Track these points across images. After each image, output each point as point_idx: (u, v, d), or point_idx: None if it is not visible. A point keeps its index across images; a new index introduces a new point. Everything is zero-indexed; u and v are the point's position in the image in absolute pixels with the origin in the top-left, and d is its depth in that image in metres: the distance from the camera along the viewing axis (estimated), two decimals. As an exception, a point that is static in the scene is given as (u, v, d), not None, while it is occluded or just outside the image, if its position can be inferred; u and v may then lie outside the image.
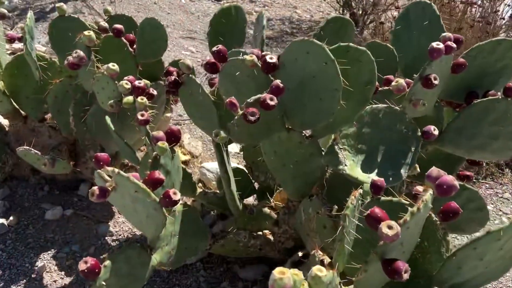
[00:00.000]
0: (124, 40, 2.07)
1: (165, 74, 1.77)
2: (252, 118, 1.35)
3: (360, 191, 1.33)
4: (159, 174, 1.31)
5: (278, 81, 1.38)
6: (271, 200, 2.07)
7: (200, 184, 2.52)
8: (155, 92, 1.92)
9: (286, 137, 1.60)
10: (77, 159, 2.34)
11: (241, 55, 1.59)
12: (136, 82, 1.74)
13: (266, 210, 1.96)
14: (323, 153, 1.62)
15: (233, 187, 1.84)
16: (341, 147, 1.60)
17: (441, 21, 1.77)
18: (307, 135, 1.60)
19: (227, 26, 1.90)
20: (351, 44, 1.45)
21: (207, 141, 3.00)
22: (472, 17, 4.22)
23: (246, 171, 2.28)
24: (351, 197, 1.26)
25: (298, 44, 1.40)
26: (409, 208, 1.09)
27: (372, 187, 1.39)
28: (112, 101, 1.79)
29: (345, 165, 1.56)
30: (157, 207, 1.30)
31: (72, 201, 2.34)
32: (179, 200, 1.28)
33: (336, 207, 1.60)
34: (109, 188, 1.27)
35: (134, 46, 2.13)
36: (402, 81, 1.56)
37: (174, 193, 1.28)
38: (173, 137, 1.48)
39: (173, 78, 1.72)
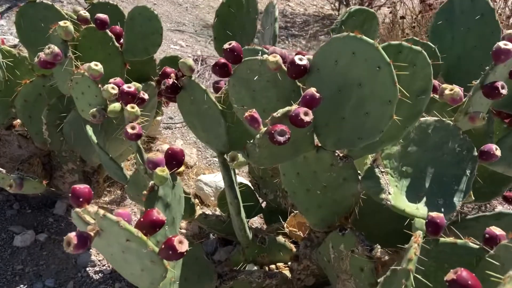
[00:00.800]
0: (109, 33, 1.72)
1: (160, 76, 1.43)
2: (281, 139, 1.03)
3: (420, 232, 1.04)
4: (158, 214, 0.98)
5: (313, 90, 1.06)
6: (284, 225, 1.75)
7: (196, 201, 2.19)
8: (146, 96, 1.58)
9: (314, 157, 1.28)
10: (52, 172, 1.98)
11: (259, 54, 1.27)
12: (125, 86, 1.40)
13: (281, 239, 1.64)
14: (359, 177, 1.31)
15: (243, 215, 1.52)
16: (382, 170, 1.29)
17: (496, 15, 1.47)
18: (341, 155, 1.29)
19: (237, 18, 1.57)
20: (403, 43, 1.14)
21: (202, 148, 2.66)
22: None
23: (252, 187, 1.96)
24: (413, 245, 0.96)
25: (341, 42, 1.08)
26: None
27: (429, 226, 1.10)
28: (94, 109, 1.44)
29: (389, 192, 1.26)
30: (156, 259, 0.97)
31: (46, 222, 1.98)
32: (186, 251, 0.95)
33: (378, 246, 1.29)
34: (91, 234, 0.94)
35: (121, 40, 1.77)
36: (458, 89, 1.25)
37: (180, 242, 0.95)
38: (175, 160, 1.15)
39: (171, 81, 1.39)
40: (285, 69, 1.20)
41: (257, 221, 2.09)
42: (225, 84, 1.55)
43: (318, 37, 5.53)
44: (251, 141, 1.10)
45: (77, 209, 0.95)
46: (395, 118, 1.09)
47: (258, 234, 1.68)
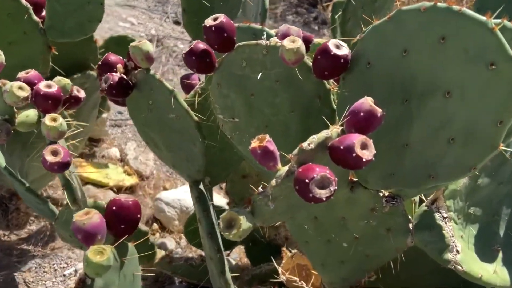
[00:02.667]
0: (24, 2, 1.17)
1: (100, 67, 0.92)
2: (323, 194, 0.56)
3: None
4: None
5: (370, 100, 0.60)
6: (279, 270, 1.30)
7: (155, 226, 1.69)
8: (82, 94, 1.06)
9: (346, 198, 0.83)
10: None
11: (263, 36, 0.78)
12: (42, 85, 0.87)
13: (277, 295, 1.19)
14: (410, 226, 0.87)
15: (228, 275, 1.04)
16: (445, 215, 0.86)
17: None
18: (386, 194, 0.84)
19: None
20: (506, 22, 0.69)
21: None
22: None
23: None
24: None
25: (416, 18, 0.62)
26: None
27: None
28: (-8, 120, 0.91)
29: (457, 251, 0.83)
30: None
31: None
32: None
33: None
34: None
35: (43, 13, 1.23)
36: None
37: None
38: (124, 222, 0.65)
39: (116, 77, 0.88)
40: (309, 63, 0.73)
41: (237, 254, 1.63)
42: (199, 80, 1.05)
43: (286, 17, 5.06)
44: (260, 192, 0.63)
45: None
46: (501, 148, 0.65)
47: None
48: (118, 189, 1.76)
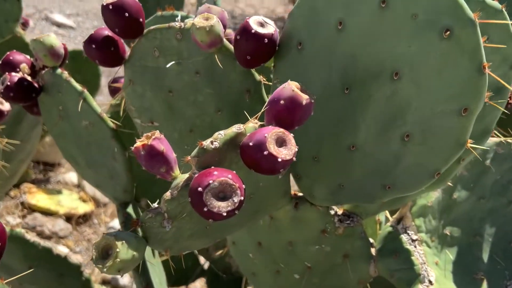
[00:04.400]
0: None
1: (1, 68, 0.78)
2: (223, 207, 0.41)
3: None
4: None
5: (295, 85, 0.45)
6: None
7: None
8: (6, 108, 0.92)
9: (290, 217, 0.68)
10: None
11: (177, 18, 0.64)
12: None
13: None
14: (372, 251, 0.71)
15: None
16: (415, 237, 0.70)
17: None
18: (339, 212, 0.68)
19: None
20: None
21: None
22: None
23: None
24: None
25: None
26: None
27: None
28: None
29: (430, 281, 0.67)
30: None
31: None
32: None
33: None
34: None
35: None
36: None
37: None
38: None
39: (16, 77, 0.74)
40: (230, 46, 0.59)
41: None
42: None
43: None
44: (151, 209, 0.47)
45: None
46: (469, 146, 0.50)
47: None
48: (70, 217, 1.59)
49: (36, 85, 0.77)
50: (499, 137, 0.75)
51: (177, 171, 0.47)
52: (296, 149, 0.43)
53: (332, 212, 0.67)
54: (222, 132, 0.46)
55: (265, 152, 0.42)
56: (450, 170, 0.65)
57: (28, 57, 0.80)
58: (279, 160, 0.42)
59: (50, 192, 1.66)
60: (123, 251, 0.44)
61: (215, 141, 0.45)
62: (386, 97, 0.50)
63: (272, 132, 0.43)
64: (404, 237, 0.70)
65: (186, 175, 0.47)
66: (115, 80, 0.91)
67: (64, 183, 1.77)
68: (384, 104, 0.51)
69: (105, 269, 0.44)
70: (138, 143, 0.45)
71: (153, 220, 0.47)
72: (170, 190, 0.46)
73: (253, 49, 0.55)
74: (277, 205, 0.64)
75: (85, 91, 0.73)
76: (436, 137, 0.50)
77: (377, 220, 0.79)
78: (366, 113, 0.53)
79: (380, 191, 0.57)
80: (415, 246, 0.70)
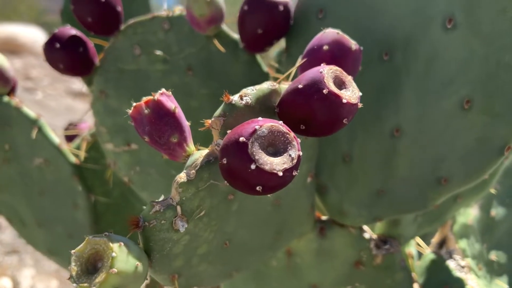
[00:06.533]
0: None
1: None
2: (280, 165, 0.27)
3: None
4: None
5: (336, 32, 0.35)
6: None
7: None
8: None
9: (315, 250, 0.53)
10: None
11: (164, 7, 0.54)
12: None
13: None
14: (415, 284, 0.56)
15: None
16: (462, 263, 0.57)
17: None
18: (373, 237, 0.54)
19: None
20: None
21: (65, 279, 1.69)
22: None
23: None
24: None
25: None
26: None
27: None
28: None
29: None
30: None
31: None
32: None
33: None
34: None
35: None
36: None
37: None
38: None
39: None
40: (234, 35, 0.49)
41: None
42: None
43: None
44: (158, 201, 0.32)
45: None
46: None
47: None
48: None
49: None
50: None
51: (192, 145, 0.34)
52: (360, 93, 0.32)
53: (367, 236, 0.53)
54: (253, 87, 0.34)
55: (325, 91, 0.30)
56: (495, 170, 0.55)
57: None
58: (344, 101, 0.30)
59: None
60: (122, 257, 0.28)
61: (245, 96, 0.33)
62: (437, 53, 0.41)
63: (329, 68, 0.31)
64: (451, 264, 0.56)
65: (206, 150, 0.33)
66: (71, 124, 0.77)
67: (-4, 292, 1.46)
68: (435, 63, 0.42)
69: (93, 289, 0.27)
70: (145, 99, 0.32)
71: (161, 216, 0.32)
72: (185, 170, 0.32)
73: (266, 20, 0.45)
74: (302, 226, 0.49)
75: (41, 119, 0.59)
76: (504, 98, 0.41)
77: (408, 254, 0.65)
78: (412, 79, 0.43)
79: (433, 189, 0.45)
80: (465, 274, 0.57)
